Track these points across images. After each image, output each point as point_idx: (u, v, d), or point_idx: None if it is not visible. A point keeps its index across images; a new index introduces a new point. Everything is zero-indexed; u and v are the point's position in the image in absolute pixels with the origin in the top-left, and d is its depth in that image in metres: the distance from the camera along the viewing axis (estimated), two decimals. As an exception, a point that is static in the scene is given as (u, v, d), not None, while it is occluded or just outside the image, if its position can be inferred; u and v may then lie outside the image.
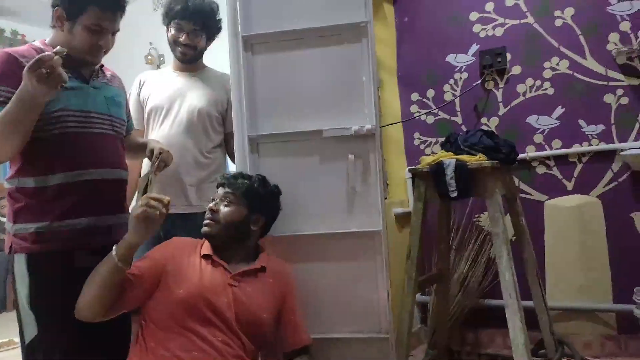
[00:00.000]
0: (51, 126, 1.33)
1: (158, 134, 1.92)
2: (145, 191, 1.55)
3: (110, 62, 1.61)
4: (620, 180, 2.34)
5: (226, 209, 1.47)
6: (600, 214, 2.37)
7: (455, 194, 1.72)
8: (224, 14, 1.92)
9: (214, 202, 1.50)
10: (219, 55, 2.00)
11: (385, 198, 2.05)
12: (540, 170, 2.52)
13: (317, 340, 1.71)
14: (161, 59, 3.99)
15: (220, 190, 1.52)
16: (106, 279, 1.20)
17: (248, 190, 1.51)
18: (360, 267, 1.76)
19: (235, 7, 1.80)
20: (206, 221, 1.46)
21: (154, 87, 1.99)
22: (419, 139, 2.84)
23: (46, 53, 1.12)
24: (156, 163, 1.59)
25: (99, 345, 1.30)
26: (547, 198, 2.49)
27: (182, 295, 1.29)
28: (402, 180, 2.86)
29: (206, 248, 1.44)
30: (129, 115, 1.72)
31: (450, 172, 1.72)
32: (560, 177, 2.48)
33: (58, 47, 1.15)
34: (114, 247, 1.21)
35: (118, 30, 1.44)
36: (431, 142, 2.80)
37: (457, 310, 2.47)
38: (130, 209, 1.60)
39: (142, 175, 1.93)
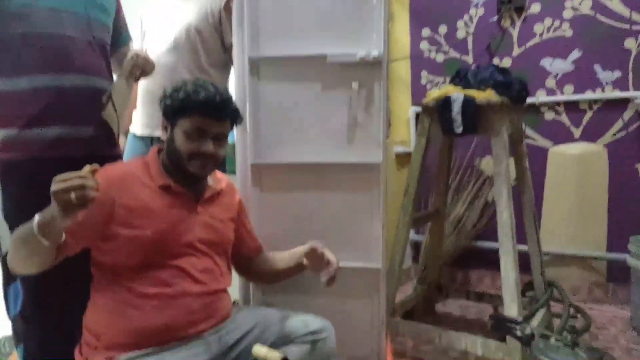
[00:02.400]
0: (15, 24, 1.21)
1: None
2: (103, 109, 1.38)
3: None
4: (630, 129, 2.28)
5: (221, 149, 1.30)
6: (604, 163, 2.33)
7: (460, 130, 1.66)
8: None
9: (209, 143, 1.25)
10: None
11: (387, 137, 2.00)
12: (549, 116, 2.45)
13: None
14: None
15: (215, 128, 1.26)
16: (29, 246, 1.03)
17: (237, 121, 1.35)
18: (357, 199, 1.73)
19: None
20: (204, 165, 1.26)
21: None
22: (426, 77, 2.74)
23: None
24: (128, 69, 1.40)
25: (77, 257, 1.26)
26: (552, 145, 2.44)
27: (151, 236, 1.18)
28: (406, 120, 2.79)
29: (161, 177, 1.26)
30: (122, 28, 1.61)
31: (457, 107, 1.65)
32: (568, 124, 2.41)
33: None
34: (35, 216, 1.00)
35: None
36: (438, 82, 2.71)
37: (449, 249, 2.49)
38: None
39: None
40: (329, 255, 1.36)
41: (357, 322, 1.74)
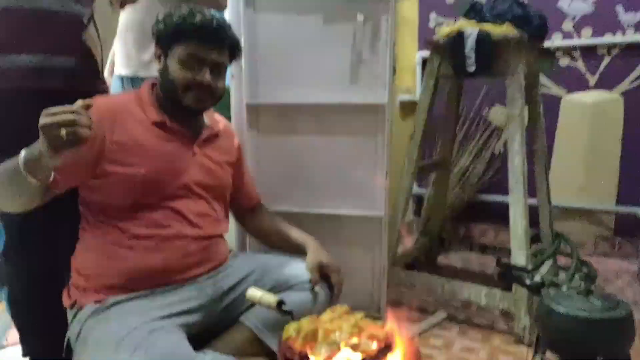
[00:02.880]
0: None
1: None
2: (84, 30, 1.22)
3: None
4: None
5: (219, 81, 1.19)
6: (619, 113, 2.22)
7: (472, 69, 1.54)
8: None
9: (205, 73, 1.14)
10: None
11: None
12: (564, 62, 2.31)
13: (311, 216, 1.65)
14: None
15: (212, 56, 1.15)
16: (15, 184, 0.95)
17: (234, 50, 1.22)
18: (360, 144, 1.63)
19: None
20: (200, 97, 1.16)
21: None
22: (435, 20, 2.57)
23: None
24: None
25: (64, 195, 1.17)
26: (565, 92, 2.31)
27: (145, 174, 1.10)
28: (411, 67, 2.65)
29: (156, 113, 1.16)
30: None
31: (471, 43, 1.53)
32: (584, 70, 2.28)
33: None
34: (22, 152, 0.91)
35: None
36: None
37: (453, 202, 2.42)
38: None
39: None
40: (335, 277, 1.28)
41: (358, 271, 1.68)
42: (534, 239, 2.06)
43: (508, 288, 1.56)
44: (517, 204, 1.54)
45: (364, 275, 1.70)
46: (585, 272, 1.19)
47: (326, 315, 0.93)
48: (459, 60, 1.57)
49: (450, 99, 2.00)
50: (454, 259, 2.36)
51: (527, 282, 1.28)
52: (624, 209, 2.21)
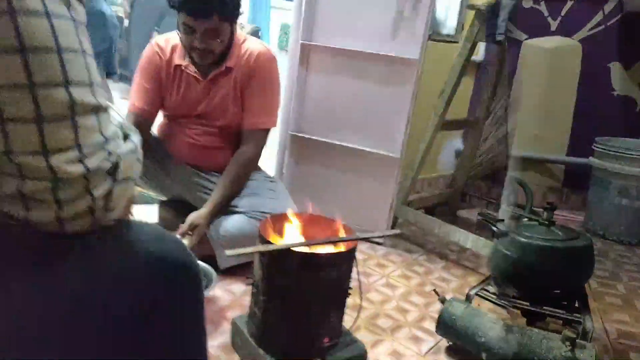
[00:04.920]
0: None
1: None
2: None
3: None
4: (608, 24, 2.11)
5: (214, 42, 1.44)
6: (577, 60, 2.20)
7: (501, 38, 1.68)
8: None
9: (197, 39, 1.41)
10: None
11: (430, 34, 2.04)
12: (527, 3, 2.29)
13: (336, 147, 1.96)
14: None
15: (201, 25, 1.38)
16: None
17: (227, 12, 1.41)
18: (391, 92, 1.87)
19: None
20: (202, 57, 1.47)
21: None
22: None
23: None
24: None
25: None
26: (526, 37, 2.31)
27: (171, 104, 1.57)
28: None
29: (179, 57, 1.55)
30: None
31: (505, 14, 1.66)
32: (546, 14, 2.25)
33: None
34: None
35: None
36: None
37: (483, 161, 2.57)
38: None
39: None
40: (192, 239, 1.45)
41: (370, 200, 1.99)
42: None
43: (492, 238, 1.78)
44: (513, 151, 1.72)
45: (374, 205, 1.99)
46: (550, 202, 1.36)
47: None
48: (491, 27, 1.72)
49: (492, 63, 2.13)
50: (473, 214, 2.56)
51: (495, 229, 1.50)
52: (574, 160, 2.27)
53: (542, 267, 1.28)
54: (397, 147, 1.90)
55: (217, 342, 1.22)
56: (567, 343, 1.04)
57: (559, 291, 1.32)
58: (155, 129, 1.71)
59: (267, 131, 1.61)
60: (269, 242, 1.05)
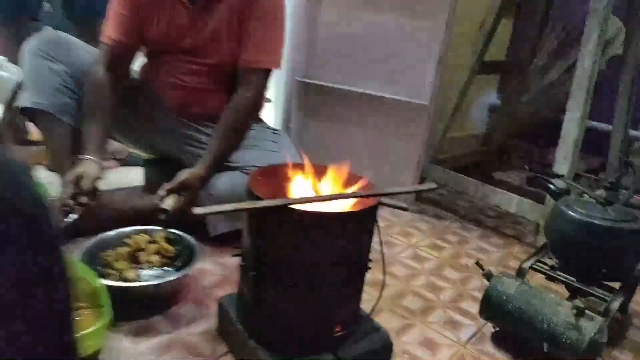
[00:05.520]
0: None
1: None
2: None
3: None
4: None
5: None
6: None
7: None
8: None
9: None
10: None
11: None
12: None
13: (353, 95, 1.65)
14: None
15: None
16: None
17: None
18: (417, 25, 1.54)
19: None
20: None
21: None
22: None
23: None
24: None
25: None
26: None
27: (153, 36, 1.29)
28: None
29: None
30: None
31: None
32: None
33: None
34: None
35: None
36: None
37: (525, 115, 2.22)
38: None
39: None
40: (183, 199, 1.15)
41: (392, 158, 1.69)
42: (597, 170, 1.87)
43: (542, 201, 1.47)
44: (574, 110, 1.38)
45: (400, 164, 1.69)
46: (613, 180, 1.08)
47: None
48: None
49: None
50: (511, 175, 2.23)
51: (552, 187, 1.20)
52: None
53: (587, 244, 1.01)
54: (426, 93, 1.58)
55: (201, 327, 0.96)
56: (574, 311, 0.91)
57: (606, 271, 1.05)
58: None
59: (268, 72, 1.31)
60: (259, 199, 0.77)
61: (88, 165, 1.13)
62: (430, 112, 1.59)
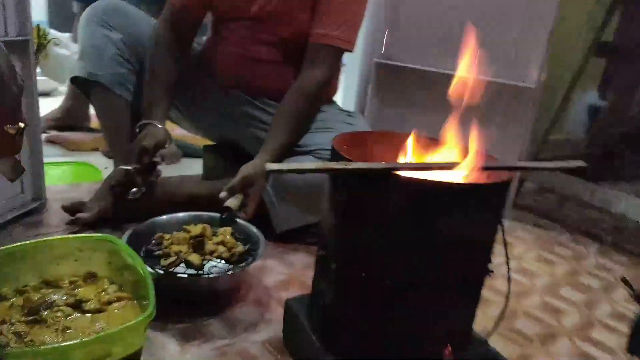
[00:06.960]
0: None
1: None
2: None
3: None
4: None
5: None
6: None
7: None
8: None
9: None
10: None
11: None
12: None
13: (442, 78, 1.41)
14: None
15: None
16: None
17: None
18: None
19: None
20: None
21: None
22: None
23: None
24: None
25: None
26: None
27: (216, 1, 1.16)
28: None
29: None
30: None
31: None
32: None
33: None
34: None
35: None
36: None
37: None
38: None
39: None
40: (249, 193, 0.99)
41: (489, 152, 1.43)
42: None
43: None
44: None
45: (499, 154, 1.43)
46: None
47: None
48: None
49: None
50: (624, 187, 1.89)
51: None
52: None
53: None
54: (532, 75, 1.32)
55: (263, 335, 0.77)
56: None
57: None
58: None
59: (340, 52, 1.12)
60: (349, 160, 0.56)
61: (153, 130, 1.02)
62: (536, 98, 1.33)
